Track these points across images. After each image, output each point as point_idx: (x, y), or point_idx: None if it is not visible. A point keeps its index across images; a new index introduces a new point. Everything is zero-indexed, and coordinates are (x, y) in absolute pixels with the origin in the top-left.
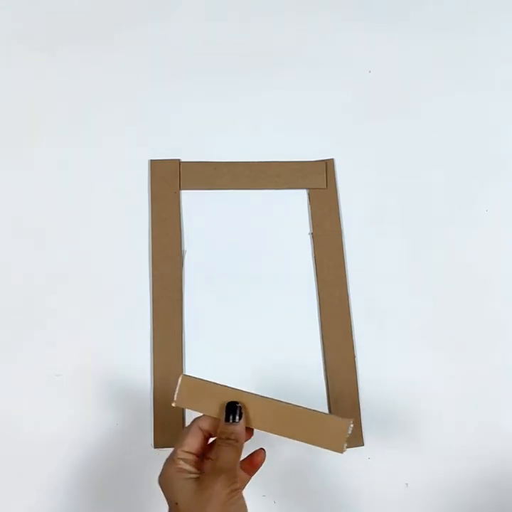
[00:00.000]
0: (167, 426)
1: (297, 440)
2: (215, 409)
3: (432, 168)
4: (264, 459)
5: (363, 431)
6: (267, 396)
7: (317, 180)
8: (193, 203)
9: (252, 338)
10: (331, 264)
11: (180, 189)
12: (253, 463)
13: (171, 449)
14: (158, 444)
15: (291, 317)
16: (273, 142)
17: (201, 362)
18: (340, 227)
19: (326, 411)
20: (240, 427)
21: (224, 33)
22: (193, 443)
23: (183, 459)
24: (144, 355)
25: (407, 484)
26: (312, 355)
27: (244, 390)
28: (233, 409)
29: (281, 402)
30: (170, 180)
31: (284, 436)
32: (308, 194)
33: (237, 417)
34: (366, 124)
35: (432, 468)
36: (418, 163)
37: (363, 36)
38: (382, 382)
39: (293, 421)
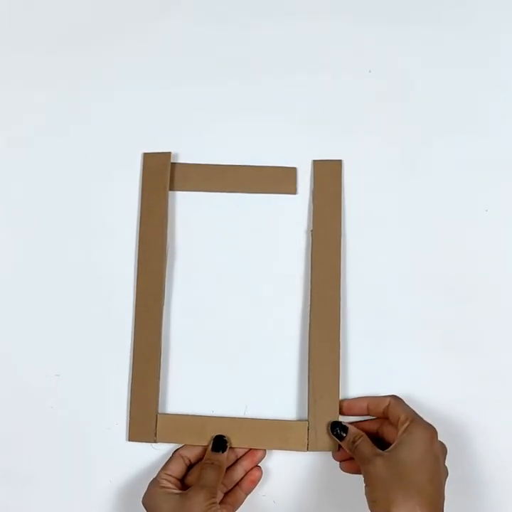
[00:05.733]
0: (141, 420)
1: (266, 448)
2: (197, 438)
3: (431, 167)
4: (260, 477)
5: None
6: (232, 416)
7: (286, 185)
8: (183, 204)
9: (239, 341)
10: (326, 265)
11: (172, 189)
12: (250, 478)
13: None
14: (132, 437)
15: (278, 318)
16: (270, 142)
17: (185, 362)
18: (340, 227)
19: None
20: (223, 456)
21: (222, 33)
22: (175, 468)
23: (166, 480)
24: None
25: None
26: (297, 357)
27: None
28: (220, 442)
29: (243, 418)
30: (161, 173)
31: (253, 447)
32: (310, 194)
33: (222, 450)
34: (366, 123)
35: None
36: (418, 163)
37: (363, 36)
38: (381, 384)
39: (258, 432)
